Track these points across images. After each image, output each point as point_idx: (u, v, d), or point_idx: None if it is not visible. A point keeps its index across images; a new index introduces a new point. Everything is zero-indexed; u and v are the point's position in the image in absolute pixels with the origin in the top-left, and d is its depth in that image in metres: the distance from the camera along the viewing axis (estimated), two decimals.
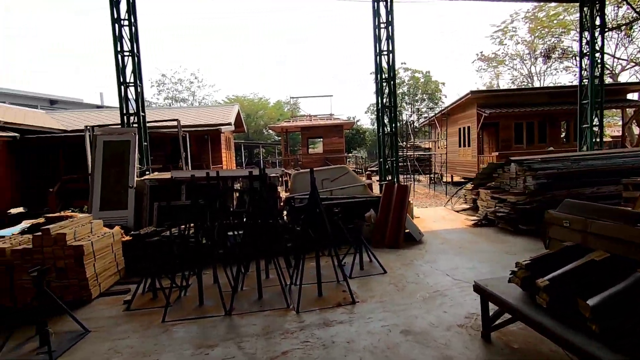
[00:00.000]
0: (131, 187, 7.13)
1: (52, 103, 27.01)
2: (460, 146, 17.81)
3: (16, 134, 11.79)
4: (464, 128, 17.19)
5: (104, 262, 4.71)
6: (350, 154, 30.96)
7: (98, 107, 26.79)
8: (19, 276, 4.22)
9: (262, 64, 71.02)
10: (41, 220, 7.03)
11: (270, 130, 41.86)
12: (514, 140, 15.45)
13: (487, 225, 7.22)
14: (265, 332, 3.40)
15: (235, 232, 6.00)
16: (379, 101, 8.80)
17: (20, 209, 12.30)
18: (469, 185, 8.97)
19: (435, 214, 8.78)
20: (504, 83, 32.06)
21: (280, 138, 41.92)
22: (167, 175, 7.71)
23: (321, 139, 25.80)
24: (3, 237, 6.24)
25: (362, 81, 79.24)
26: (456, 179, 18.82)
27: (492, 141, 18.28)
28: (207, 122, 14.77)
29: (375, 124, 39.82)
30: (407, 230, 6.43)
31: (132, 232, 5.79)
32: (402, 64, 34.49)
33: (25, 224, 9.35)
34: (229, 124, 14.86)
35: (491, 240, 6.23)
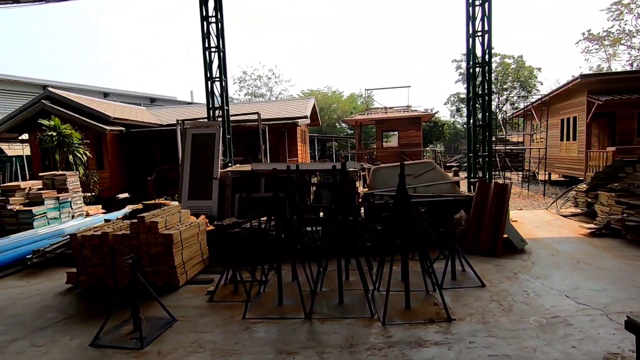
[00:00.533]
0: (215, 178, 7.41)
1: (152, 101, 30.37)
2: (562, 140, 15.45)
3: (122, 128, 13.31)
4: (567, 119, 14.83)
5: (190, 250, 4.86)
6: (427, 149, 29.19)
7: (188, 103, 29.36)
8: (119, 259, 4.54)
9: (338, 57, 71.07)
10: (140, 206, 7.69)
11: (342, 124, 41.69)
12: (637, 132, 12.82)
13: (610, 235, 5.93)
14: (349, 345, 3.07)
15: (313, 228, 5.81)
16: (470, 89, 7.85)
17: (126, 195, 13.91)
18: (583, 186, 7.55)
19: (536, 218, 7.58)
20: (618, 66, 27.10)
21: (352, 132, 41.66)
22: (247, 167, 7.87)
23: (396, 132, 24.81)
24: (110, 220, 6.96)
25: (440, 70, 74.51)
26: (554, 177, 16.42)
27: (604, 134, 15.46)
28: (284, 115, 15.01)
29: (455, 116, 36.87)
30: (505, 236, 5.57)
31: (216, 223, 5.95)
32: None
33: (128, 208, 10.48)
34: (305, 117, 14.90)
35: (620, 255, 5.06)
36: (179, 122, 8.96)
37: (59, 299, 4.37)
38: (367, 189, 7.28)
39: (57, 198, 7.98)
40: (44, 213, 7.63)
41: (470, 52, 7.77)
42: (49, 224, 7.72)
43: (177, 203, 8.58)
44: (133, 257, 3.34)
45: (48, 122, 10.20)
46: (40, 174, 8.37)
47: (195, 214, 7.20)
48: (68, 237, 6.08)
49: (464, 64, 33.38)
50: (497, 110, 25.28)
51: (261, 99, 41.92)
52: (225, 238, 5.64)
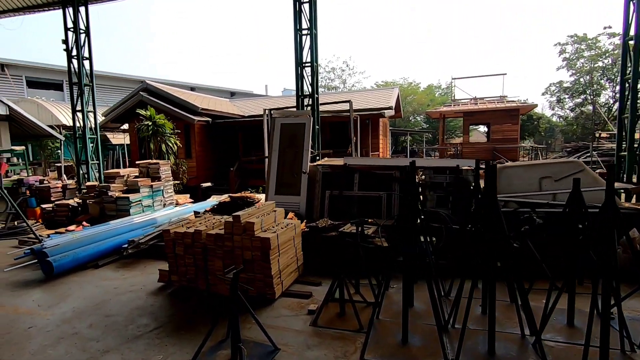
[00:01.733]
0: (304, 172, 6.77)
1: (232, 95, 31.66)
2: None
3: (209, 119, 13.60)
4: None
5: (286, 257, 4.22)
6: (523, 144, 25.77)
7: (264, 96, 29.98)
8: (211, 261, 4.06)
9: (415, 47, 67.47)
10: (227, 198, 7.41)
11: (418, 117, 39.27)
12: None
13: None
14: None
15: (426, 238, 4.79)
16: (628, 66, 6.04)
17: (208, 184, 14.27)
18: None
19: None
20: None
21: (427, 125, 38.96)
22: (338, 161, 7.10)
23: (486, 126, 22.21)
24: (198, 212, 6.74)
25: (533, 57, 66.32)
26: None
27: None
28: (368, 106, 14.02)
29: (556, 109, 31.99)
30: None
31: (309, 224, 5.26)
32: (605, 28, 26.40)
33: (214, 199, 10.53)
34: (390, 107, 13.74)
35: None
36: (266, 111, 8.57)
37: (152, 299, 4.03)
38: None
39: (151, 186, 8.10)
40: (139, 201, 7.77)
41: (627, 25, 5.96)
42: (143, 211, 7.85)
43: (262, 196, 8.23)
44: (234, 271, 2.71)
45: (144, 112, 10.62)
46: (137, 162, 8.62)
47: None
48: (160, 228, 5.93)
49: (569, 47, 28.78)
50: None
51: (333, 92, 41.40)
52: (321, 242, 4.94)
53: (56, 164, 18.52)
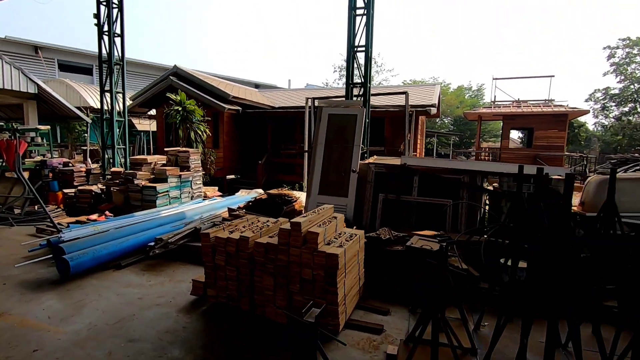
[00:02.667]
0: (354, 171, 5.91)
1: (256, 87, 31.04)
2: None
3: (239, 108, 12.90)
4: None
5: (351, 276, 3.37)
6: (570, 153, 24.14)
7: (291, 89, 29.21)
8: (259, 276, 3.26)
9: (446, 46, 65.34)
10: (263, 195, 6.62)
11: (445, 119, 37.79)
12: None
13: None
14: None
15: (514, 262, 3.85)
16: None
17: (232, 176, 13.62)
18: None
19: None
20: None
21: (454, 127, 37.35)
22: (394, 160, 6.21)
23: (526, 131, 20.74)
24: (234, 210, 5.98)
25: (576, 61, 62.97)
26: None
27: None
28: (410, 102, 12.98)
29: (599, 117, 29.98)
30: None
31: (368, 235, 4.40)
32: None
33: (243, 193, 9.82)
34: (434, 105, 12.66)
35: None
36: (309, 100, 7.72)
37: (183, 318, 3.26)
38: (580, 208, 4.99)
39: (180, 176, 7.42)
40: (167, 191, 7.09)
41: None
42: (170, 203, 7.17)
43: (299, 194, 7.43)
44: (316, 312, 1.87)
45: (175, 97, 9.98)
46: (165, 149, 7.96)
47: None
48: (191, 226, 5.20)
49: (619, 52, 26.73)
50: None
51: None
52: (384, 258, 4.08)
53: (82, 147, 18.34)
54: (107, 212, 6.66)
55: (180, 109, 9.74)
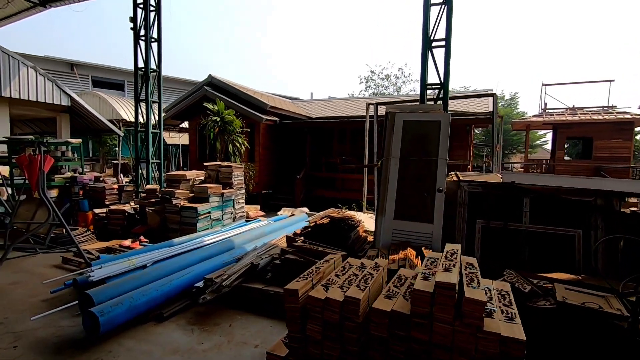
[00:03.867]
0: (440, 190, 4.74)
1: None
2: None
3: (277, 119, 12.04)
4: None
5: None
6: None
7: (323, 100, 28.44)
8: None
9: (477, 54, 63.48)
10: (325, 220, 5.55)
11: (476, 129, 35.97)
12: None
13: None
14: None
15: None
16: None
17: (265, 191, 12.69)
18: None
19: None
20: None
21: (485, 138, 35.38)
22: (491, 178, 5.01)
23: (580, 140, 18.89)
24: (294, 239, 4.91)
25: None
26: None
27: None
28: (464, 109, 11.73)
29: None
30: None
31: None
32: None
33: (285, 212, 8.80)
34: (490, 114, 11.36)
35: None
36: (371, 106, 6.64)
37: None
38: None
39: (222, 195, 6.47)
40: (208, 213, 6.15)
41: None
42: (211, 226, 6.21)
43: (360, 215, 6.33)
44: None
45: (212, 106, 9.20)
46: (205, 164, 7.07)
47: (403, 243, 4.69)
48: (246, 261, 4.16)
49: None
50: None
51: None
52: (525, 317, 2.88)
53: (113, 161, 18.03)
54: (142, 238, 5.76)
55: (218, 119, 8.93)
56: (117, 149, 19.83)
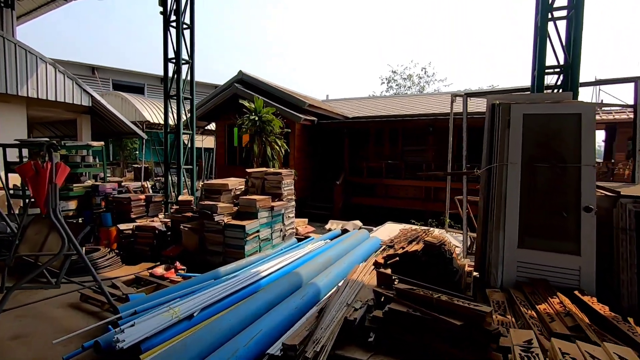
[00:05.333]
0: (590, 209, 3.41)
1: None
2: None
3: (314, 119, 10.87)
4: None
5: None
6: None
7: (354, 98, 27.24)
8: None
9: (506, 51, 61.08)
10: (415, 246, 4.27)
11: None
12: None
13: None
14: None
15: None
16: None
17: (304, 198, 11.48)
18: None
19: None
20: None
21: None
22: None
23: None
24: (387, 274, 3.64)
25: None
26: None
27: None
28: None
29: None
30: None
31: None
32: None
33: (334, 225, 7.55)
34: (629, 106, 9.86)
35: None
36: (462, 98, 5.30)
37: None
38: None
39: (272, 209, 5.28)
40: (257, 231, 4.96)
41: None
42: (260, 248, 5.03)
43: (449, 235, 5.03)
44: None
45: (249, 104, 8.07)
46: (248, 171, 5.92)
47: (536, 282, 3.40)
48: (336, 314, 2.93)
49: None
50: None
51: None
52: None
53: (133, 165, 17.21)
54: (178, 265, 4.61)
55: (256, 118, 7.79)
56: (137, 152, 19.09)
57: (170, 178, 6.92)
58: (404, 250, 4.04)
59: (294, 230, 6.02)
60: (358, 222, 7.38)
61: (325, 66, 77.15)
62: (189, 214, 5.57)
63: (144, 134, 11.76)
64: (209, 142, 16.29)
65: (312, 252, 4.97)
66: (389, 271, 3.84)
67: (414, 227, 6.05)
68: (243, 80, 11.23)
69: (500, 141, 4.04)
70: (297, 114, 9.95)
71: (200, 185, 7.32)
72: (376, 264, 4.10)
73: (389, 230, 7.10)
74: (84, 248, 5.20)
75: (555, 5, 4.21)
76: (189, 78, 6.94)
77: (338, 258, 4.56)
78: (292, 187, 5.96)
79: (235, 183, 5.81)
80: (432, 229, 5.50)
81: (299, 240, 5.95)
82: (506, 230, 3.76)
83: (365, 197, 10.99)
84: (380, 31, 69.04)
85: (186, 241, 5.11)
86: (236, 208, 5.20)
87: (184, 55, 6.75)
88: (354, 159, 11.57)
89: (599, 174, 14.40)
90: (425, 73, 40.64)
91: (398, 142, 11.30)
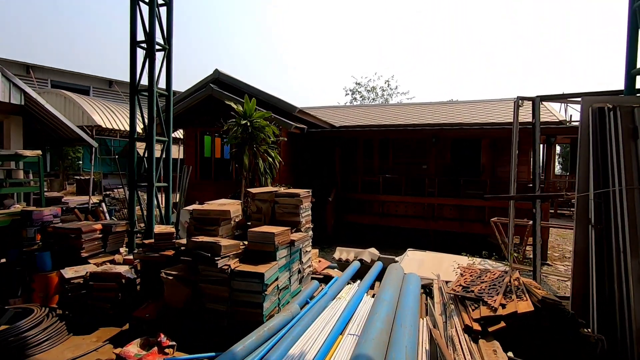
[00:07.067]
0: None
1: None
2: None
3: (304, 126, 9.55)
4: None
5: None
6: None
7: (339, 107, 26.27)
8: None
9: (459, 65, 64.06)
10: (524, 305, 3.04)
11: None
12: None
13: None
14: None
15: None
16: None
17: None
18: None
19: None
20: None
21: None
22: None
23: None
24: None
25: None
26: None
27: None
28: (494, 120, 9.79)
29: None
30: None
31: None
32: None
33: (343, 254, 6.19)
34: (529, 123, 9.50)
35: None
36: (535, 101, 4.26)
37: None
38: None
39: (291, 244, 3.87)
40: (276, 279, 3.52)
41: None
42: (279, 302, 3.59)
43: (503, 268, 3.89)
44: None
45: (237, 106, 6.59)
46: (250, 190, 4.45)
47: None
48: None
49: None
50: None
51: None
52: None
53: (76, 177, 14.64)
54: (161, 337, 3.02)
55: (247, 124, 6.33)
56: (80, 162, 16.40)
57: (136, 199, 5.19)
58: (508, 310, 2.84)
59: (312, 268, 4.62)
60: (374, 251, 6.12)
61: (285, 76, 76.23)
62: (170, 253, 3.98)
63: (93, 142, 9.67)
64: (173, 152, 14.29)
65: (350, 304, 3.63)
66: (496, 345, 2.63)
67: (460, 258, 4.92)
68: (220, 81, 9.66)
69: (622, 156, 3.02)
70: (288, 121, 8.59)
71: (176, 210, 5.70)
72: (468, 330, 2.87)
73: (415, 261, 5.93)
74: (6, 310, 3.43)
75: None
76: (164, 69, 5.34)
77: (385, 312, 3.24)
78: (310, 211, 4.58)
79: (233, 207, 4.31)
80: (493, 263, 4.39)
81: (319, 280, 4.57)
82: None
83: (360, 215, 9.82)
84: (345, 43, 69.71)
85: (170, 296, 3.52)
86: (243, 246, 3.71)
87: (159, 39, 5.15)
88: (346, 173, 10.40)
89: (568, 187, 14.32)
90: (388, 86, 41.02)
91: (394, 154, 10.34)
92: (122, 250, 4.87)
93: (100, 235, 4.62)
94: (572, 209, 12.17)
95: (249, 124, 6.30)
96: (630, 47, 3.60)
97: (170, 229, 4.26)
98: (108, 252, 4.65)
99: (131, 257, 4.45)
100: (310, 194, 4.56)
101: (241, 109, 6.58)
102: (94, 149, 9.51)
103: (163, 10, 5.29)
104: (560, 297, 4.11)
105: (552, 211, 9.27)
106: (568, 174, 16.76)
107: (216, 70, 9.67)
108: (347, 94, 41.77)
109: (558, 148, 20.54)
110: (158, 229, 4.27)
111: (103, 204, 6.83)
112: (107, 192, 10.65)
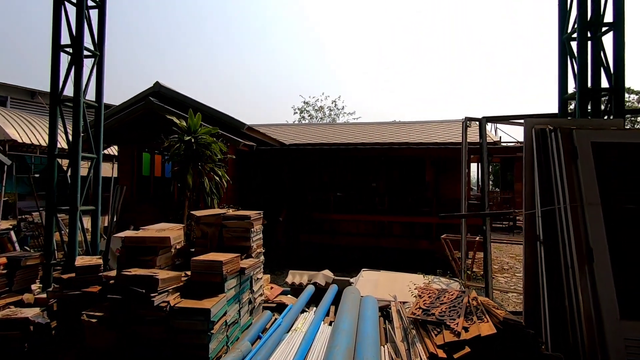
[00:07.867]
0: None
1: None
2: None
3: (254, 144, 9.19)
4: None
5: None
6: None
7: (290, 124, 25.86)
8: None
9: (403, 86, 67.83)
10: (485, 327, 2.98)
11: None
12: None
13: None
14: None
15: None
16: None
17: None
18: None
19: None
20: None
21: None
22: None
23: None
24: None
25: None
26: None
27: None
28: (447, 140, 10.44)
29: None
30: None
31: None
32: None
33: (296, 278, 5.87)
34: (477, 143, 10.29)
35: None
36: (481, 121, 4.34)
37: None
38: None
39: (241, 272, 3.51)
40: (224, 314, 3.12)
41: None
42: (228, 340, 3.18)
43: (457, 285, 3.87)
44: None
45: (180, 121, 6.12)
46: (194, 213, 4.02)
47: None
48: None
49: None
50: None
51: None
52: None
53: None
54: None
55: (192, 140, 5.87)
56: None
57: (56, 224, 4.44)
58: (471, 334, 2.77)
59: (263, 296, 4.24)
60: (329, 273, 5.89)
61: (234, 94, 75.07)
62: (96, 289, 3.39)
63: (6, 159, 8.38)
64: (106, 170, 12.95)
65: (307, 335, 3.34)
66: None
67: (415, 277, 4.86)
68: (161, 94, 9.02)
69: (564, 175, 3.18)
70: (237, 138, 8.20)
71: (106, 236, 5.04)
72: (433, 357, 2.73)
73: (371, 282, 5.81)
74: None
75: (594, 20, 3.71)
76: (94, 77, 4.75)
77: (354, 346, 3.03)
78: (261, 234, 4.25)
79: (174, 233, 3.83)
80: (447, 281, 4.39)
81: (272, 309, 4.21)
82: (599, 295, 2.81)
83: (312, 234, 9.60)
84: (294, 62, 70.69)
85: (93, 341, 2.94)
86: (185, 277, 3.26)
87: (89, 45, 4.58)
88: (297, 192, 10.17)
89: (500, 202, 15.55)
90: (335, 106, 42.16)
91: (345, 172, 10.37)
92: (34, 287, 4.09)
93: (5, 271, 3.83)
94: (504, 223, 13.09)
95: (193, 140, 5.85)
96: (561, 75, 3.89)
97: (96, 260, 3.65)
98: (14, 290, 3.86)
99: (45, 295, 3.73)
100: (262, 215, 4.24)
101: (185, 124, 6.11)
102: (5, 166, 8.22)
103: (95, 14, 4.74)
104: (513, 312, 4.19)
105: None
106: (498, 189, 18.23)
107: (157, 83, 9.03)
108: (295, 113, 42.17)
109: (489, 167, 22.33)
110: (81, 260, 3.64)
111: (12, 232, 5.80)
112: (23, 216, 9.25)
